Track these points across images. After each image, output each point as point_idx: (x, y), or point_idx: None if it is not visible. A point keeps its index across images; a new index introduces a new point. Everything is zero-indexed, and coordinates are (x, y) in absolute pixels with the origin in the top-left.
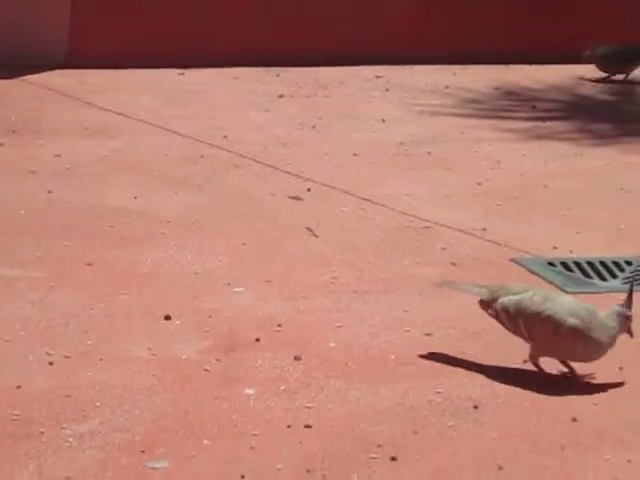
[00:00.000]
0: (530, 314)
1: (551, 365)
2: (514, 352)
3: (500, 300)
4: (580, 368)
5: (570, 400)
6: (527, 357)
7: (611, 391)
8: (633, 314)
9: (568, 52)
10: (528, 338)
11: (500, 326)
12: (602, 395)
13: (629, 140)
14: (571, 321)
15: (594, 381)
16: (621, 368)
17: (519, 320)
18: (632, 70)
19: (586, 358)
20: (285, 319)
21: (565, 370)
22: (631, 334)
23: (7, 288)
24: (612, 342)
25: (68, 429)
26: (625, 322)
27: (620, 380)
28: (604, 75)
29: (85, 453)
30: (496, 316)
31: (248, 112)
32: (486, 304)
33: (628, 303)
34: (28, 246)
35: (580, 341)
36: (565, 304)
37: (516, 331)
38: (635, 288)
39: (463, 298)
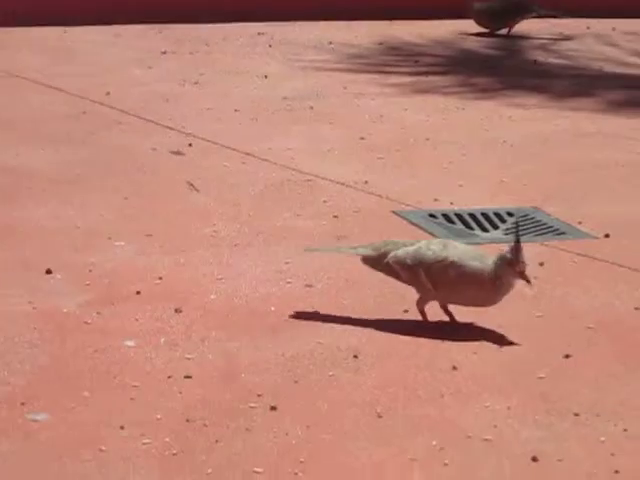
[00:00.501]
0: (431, 262)
1: (432, 313)
2: (393, 303)
3: (392, 254)
4: (460, 317)
5: (450, 349)
6: (410, 306)
7: (491, 340)
8: (523, 261)
9: (452, 8)
10: (430, 287)
11: (380, 277)
12: (482, 344)
13: (510, 94)
14: (475, 265)
15: (474, 331)
16: (500, 326)
17: (419, 270)
18: (511, 25)
19: (486, 302)
20: (166, 272)
21: (446, 319)
22: (526, 280)
23: None
24: (501, 287)
25: None
26: (508, 267)
27: (499, 330)
28: (486, 30)
29: None
30: (387, 270)
31: (131, 69)
32: (373, 260)
33: (514, 248)
34: None
35: (482, 285)
36: (465, 250)
37: (413, 281)
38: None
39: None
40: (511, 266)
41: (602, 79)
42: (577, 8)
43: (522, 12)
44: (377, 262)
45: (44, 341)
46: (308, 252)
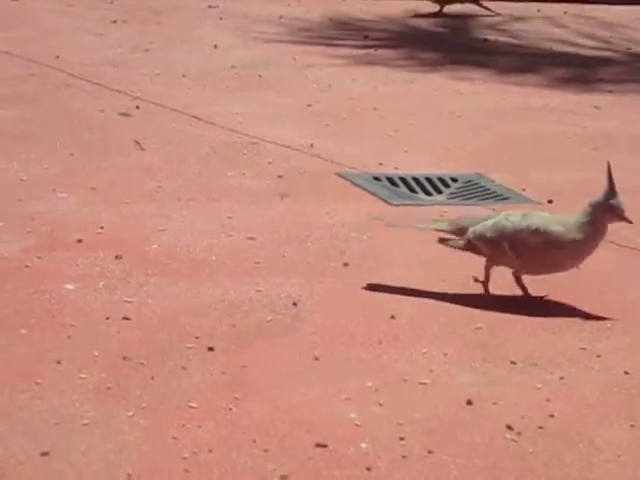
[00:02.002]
0: (514, 232)
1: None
2: (334, 257)
3: (472, 229)
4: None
5: (389, 300)
6: (350, 260)
7: (431, 293)
8: (620, 204)
9: None
10: (515, 257)
11: (322, 232)
12: (422, 297)
13: (459, 68)
14: (559, 229)
15: (414, 286)
16: (443, 280)
17: (502, 242)
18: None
19: (574, 263)
20: (108, 223)
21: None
22: (628, 221)
23: None
24: (593, 238)
25: None
26: (608, 213)
27: (441, 282)
28: (436, 9)
29: None
30: (468, 246)
31: (82, 36)
32: (450, 238)
33: (609, 190)
34: None
35: (569, 248)
36: (545, 217)
37: (498, 254)
38: (463, 202)
39: (287, 205)
40: (612, 211)
41: (550, 57)
42: None
43: None
44: (455, 241)
45: None
46: (390, 226)
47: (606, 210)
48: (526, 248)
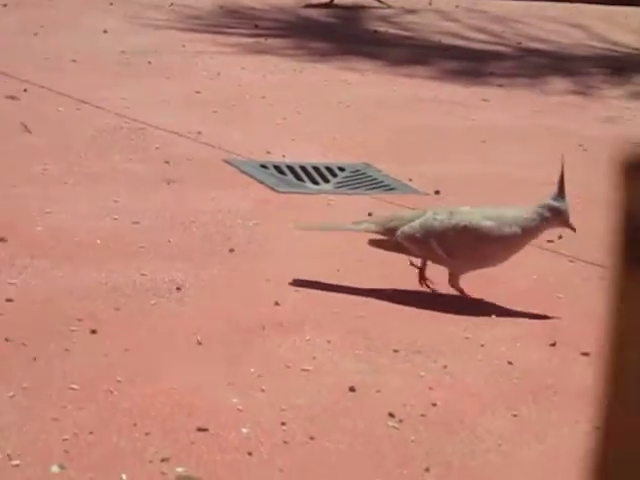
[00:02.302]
0: (443, 231)
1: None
2: (219, 243)
3: (400, 231)
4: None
5: (272, 287)
6: (235, 246)
7: (316, 282)
8: (568, 209)
9: None
10: (445, 256)
11: (207, 218)
12: (306, 285)
13: (348, 59)
14: (489, 224)
15: (298, 273)
16: (338, 270)
17: (430, 241)
18: None
19: (504, 257)
20: None
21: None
22: (572, 228)
23: None
24: (527, 235)
25: None
26: (556, 217)
27: (325, 270)
28: (328, 1)
29: None
30: (398, 247)
31: None
32: (380, 240)
33: (559, 193)
34: None
35: (499, 241)
36: (471, 212)
37: (428, 254)
38: (350, 191)
39: (173, 191)
40: (559, 215)
41: (440, 50)
42: None
43: None
44: (384, 241)
45: None
46: (298, 229)
47: (554, 213)
48: (457, 246)
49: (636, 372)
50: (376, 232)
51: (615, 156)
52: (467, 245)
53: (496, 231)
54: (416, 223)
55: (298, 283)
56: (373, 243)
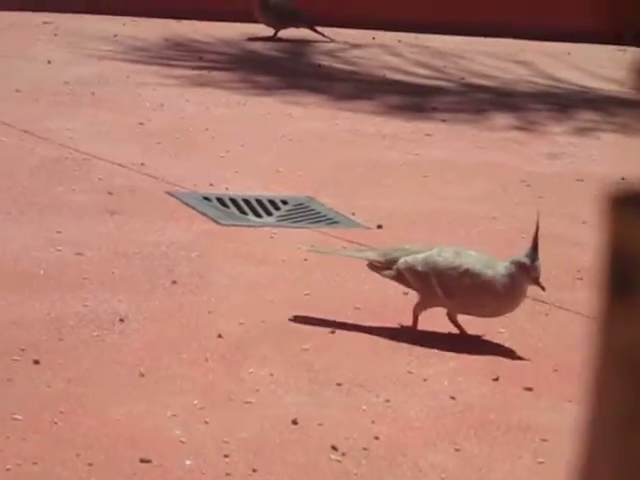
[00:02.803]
0: (444, 269)
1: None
2: (162, 275)
3: (403, 260)
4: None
5: (216, 319)
6: (178, 278)
7: (257, 313)
8: (538, 267)
9: (240, 12)
10: (442, 294)
11: (150, 250)
12: (248, 316)
13: (292, 93)
14: (490, 273)
15: (241, 305)
16: (272, 301)
17: (431, 277)
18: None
19: (499, 311)
20: None
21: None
22: (541, 286)
23: None
24: (515, 294)
25: None
26: (522, 272)
27: (269, 304)
28: (272, 33)
29: None
30: (397, 277)
31: None
32: (380, 266)
33: (530, 253)
34: None
35: (496, 293)
36: (479, 258)
37: (424, 288)
38: (293, 224)
39: (116, 222)
40: (526, 271)
41: (384, 85)
42: (360, 21)
43: (298, 19)
44: (385, 268)
45: None
46: (311, 251)
47: (523, 270)
48: (455, 287)
49: (618, 418)
50: (379, 261)
51: (602, 192)
52: (465, 289)
53: (491, 282)
54: (420, 256)
55: (241, 314)
56: (373, 267)
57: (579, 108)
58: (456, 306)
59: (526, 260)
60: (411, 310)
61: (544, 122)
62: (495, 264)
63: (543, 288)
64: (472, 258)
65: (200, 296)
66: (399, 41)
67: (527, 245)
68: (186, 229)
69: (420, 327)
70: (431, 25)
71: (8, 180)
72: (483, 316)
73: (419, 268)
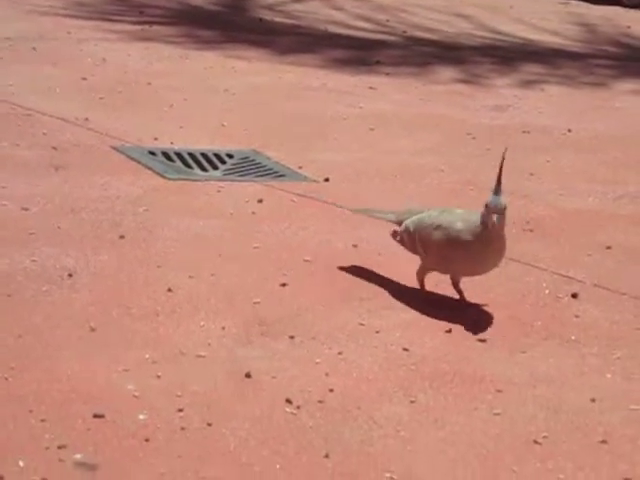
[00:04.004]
0: (426, 227)
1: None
2: (109, 230)
3: (404, 223)
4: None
5: (166, 273)
6: (126, 233)
7: (206, 267)
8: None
9: None
10: (422, 251)
11: (97, 206)
12: (198, 269)
13: (234, 47)
14: (459, 226)
15: (190, 259)
16: (219, 255)
17: (415, 236)
18: None
19: (476, 267)
20: None
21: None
22: (491, 223)
23: None
24: (483, 239)
25: None
26: (488, 212)
27: (217, 259)
28: None
29: None
30: (400, 240)
31: None
32: (395, 232)
33: (494, 188)
34: None
35: (466, 243)
36: (459, 214)
37: (413, 249)
38: (239, 178)
39: (62, 177)
40: (487, 208)
41: (326, 38)
42: None
43: None
44: (394, 233)
45: None
46: (354, 211)
47: (487, 209)
48: (429, 243)
49: None
50: (394, 222)
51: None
52: (436, 244)
53: (463, 236)
54: (415, 218)
55: (190, 267)
56: (393, 235)
57: (523, 61)
58: (432, 263)
59: (489, 198)
60: (359, 262)
61: (488, 75)
62: (472, 216)
63: (492, 224)
64: (453, 215)
65: (148, 250)
66: None
67: (472, 199)
68: (132, 183)
69: (372, 277)
70: None
71: None
72: (469, 273)
73: (411, 228)
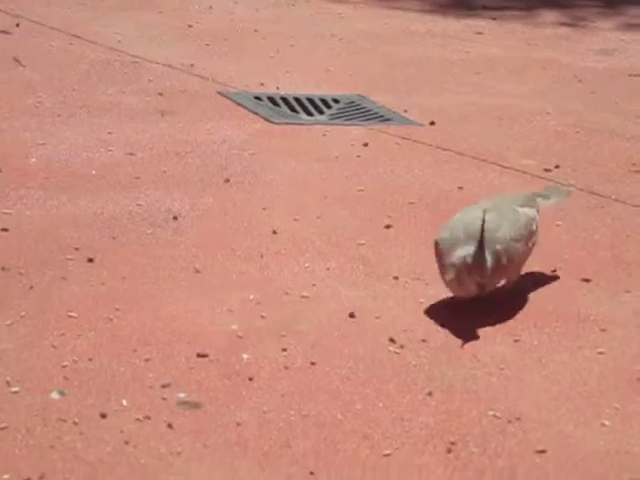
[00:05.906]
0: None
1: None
2: (215, 174)
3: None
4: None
5: (271, 215)
6: (231, 176)
7: (311, 209)
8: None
9: None
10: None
11: (202, 149)
12: (303, 212)
13: None
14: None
15: (296, 202)
16: (325, 197)
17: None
18: None
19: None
20: None
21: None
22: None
23: None
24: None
25: None
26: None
27: (323, 201)
28: None
29: None
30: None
31: None
32: None
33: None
34: None
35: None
36: (470, 210)
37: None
38: (345, 122)
39: (168, 122)
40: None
41: None
42: None
43: None
44: None
45: None
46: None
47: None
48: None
49: None
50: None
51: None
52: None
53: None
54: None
55: (296, 210)
56: None
57: (626, 4)
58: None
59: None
60: (464, 204)
61: (593, 18)
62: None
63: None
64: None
65: (253, 193)
66: None
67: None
68: (238, 128)
69: None
70: None
71: (59, 83)
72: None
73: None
